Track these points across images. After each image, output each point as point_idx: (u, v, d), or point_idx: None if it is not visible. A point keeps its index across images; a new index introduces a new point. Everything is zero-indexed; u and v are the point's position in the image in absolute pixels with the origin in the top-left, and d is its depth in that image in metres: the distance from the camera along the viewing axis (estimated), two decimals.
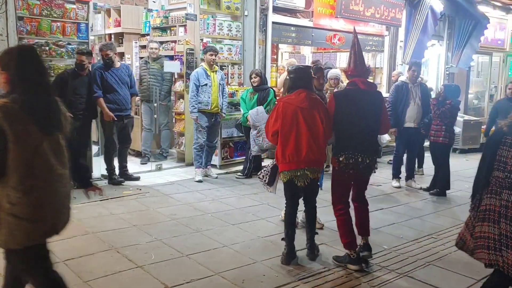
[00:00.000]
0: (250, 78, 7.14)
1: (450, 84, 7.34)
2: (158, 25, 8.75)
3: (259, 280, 3.73)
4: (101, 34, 10.62)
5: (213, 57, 6.68)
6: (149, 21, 9.20)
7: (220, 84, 6.85)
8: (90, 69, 6.14)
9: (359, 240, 4.20)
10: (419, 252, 4.51)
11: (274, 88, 7.47)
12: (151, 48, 7.76)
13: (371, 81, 10.31)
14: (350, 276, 3.89)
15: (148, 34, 9.20)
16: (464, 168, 8.91)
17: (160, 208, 5.36)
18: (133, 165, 7.49)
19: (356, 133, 3.96)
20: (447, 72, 11.89)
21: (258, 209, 5.54)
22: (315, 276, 3.84)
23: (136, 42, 9.56)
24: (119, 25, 9.70)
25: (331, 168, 4.36)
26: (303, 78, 4.10)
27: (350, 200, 4.20)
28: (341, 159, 3.94)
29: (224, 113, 7.05)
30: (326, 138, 4.03)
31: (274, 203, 5.74)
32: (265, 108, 6.96)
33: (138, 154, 8.16)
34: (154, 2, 10.19)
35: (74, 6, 6.13)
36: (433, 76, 12.05)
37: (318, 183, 4.38)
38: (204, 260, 4.01)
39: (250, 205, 5.68)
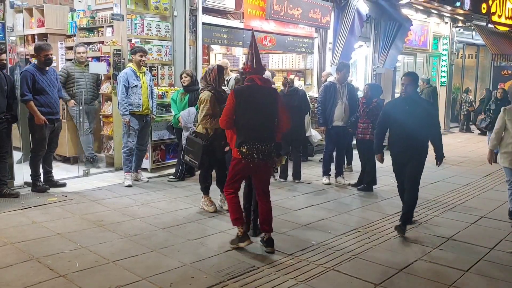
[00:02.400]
0: (181, 78, 7.05)
1: (374, 84, 7.66)
2: (85, 26, 8.44)
3: (188, 282, 3.69)
4: (22, 35, 10.12)
5: (143, 58, 6.53)
6: (75, 22, 8.86)
7: (149, 85, 6.72)
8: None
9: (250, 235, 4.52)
10: (346, 246, 4.66)
11: None
12: (79, 53, 7.48)
13: (302, 82, 10.61)
14: (278, 273, 3.94)
15: (74, 35, 8.87)
16: (390, 164, 9.32)
17: (86, 214, 5.17)
18: (60, 171, 7.20)
19: (255, 125, 4.27)
20: (374, 73, 12.39)
21: (190, 211, 5.48)
22: (244, 275, 3.86)
23: (62, 43, 9.17)
24: (42, 25, 9.26)
25: None
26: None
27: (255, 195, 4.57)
28: (243, 150, 4.22)
29: (155, 115, 6.92)
30: None
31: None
32: (197, 109, 6.91)
33: (65, 159, 7.84)
34: (80, 1, 9.82)
35: None
36: (361, 77, 12.51)
37: None
38: (131, 266, 3.91)
39: (181, 208, 5.61)
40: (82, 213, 5.20)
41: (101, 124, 7.77)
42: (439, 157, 5.27)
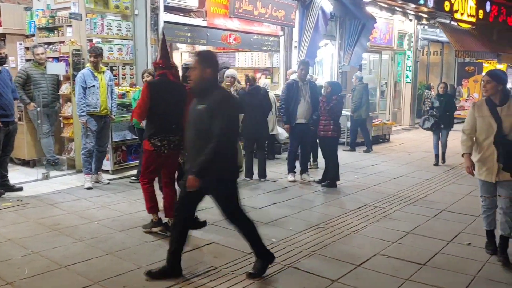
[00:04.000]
0: (142, 77, 6.93)
1: (334, 81, 7.72)
2: (44, 25, 8.21)
3: (142, 285, 3.62)
4: None
5: (92, 58, 6.38)
6: (33, 21, 8.62)
7: (108, 85, 6.59)
8: None
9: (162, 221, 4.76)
10: (306, 242, 4.67)
11: None
12: (37, 54, 7.27)
13: (269, 80, 10.61)
14: (235, 272, 3.90)
15: (33, 35, 8.63)
16: (354, 160, 9.44)
17: (42, 219, 5.02)
18: (19, 174, 7.00)
19: (166, 118, 4.52)
20: (340, 71, 12.48)
21: (146, 214, 5.37)
22: (200, 276, 3.81)
23: (21, 44, 8.90)
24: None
25: None
26: None
27: (162, 185, 4.87)
28: (152, 141, 4.49)
29: (114, 115, 6.79)
30: None
31: None
32: None
33: (25, 163, 7.61)
34: (39, 0, 9.59)
35: None
36: (327, 75, 12.58)
37: None
38: (84, 270, 3.81)
39: (141, 209, 5.48)
40: (37, 217, 5.06)
41: (61, 126, 7.58)
42: None
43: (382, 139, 12.13)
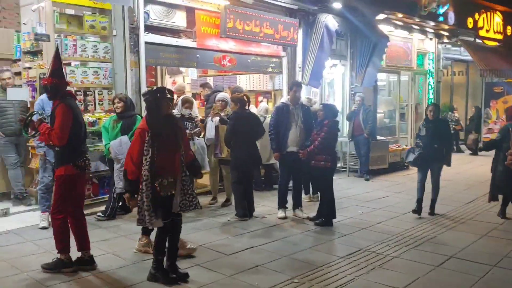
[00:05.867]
0: (113, 103, 6.30)
1: (328, 104, 6.86)
2: (29, 49, 7.74)
3: None
4: None
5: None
6: (19, 45, 8.20)
7: None
8: None
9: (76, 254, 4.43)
10: None
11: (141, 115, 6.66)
12: (3, 79, 6.77)
13: (271, 104, 9.83)
14: None
15: (19, 60, 8.20)
16: (364, 191, 8.48)
17: None
18: None
19: (83, 137, 4.48)
20: (353, 92, 11.61)
21: (99, 260, 4.59)
22: None
23: (9, 69, 8.48)
24: None
25: None
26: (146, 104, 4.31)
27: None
28: (78, 163, 4.29)
29: None
30: None
31: (121, 252, 4.87)
32: (130, 138, 6.11)
33: None
34: (25, 24, 9.20)
35: None
36: (339, 97, 11.74)
37: None
38: None
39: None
40: None
41: (30, 156, 6.98)
42: None
43: (401, 166, 11.08)
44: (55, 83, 4.28)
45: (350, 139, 10.03)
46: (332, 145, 6.22)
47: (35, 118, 4.52)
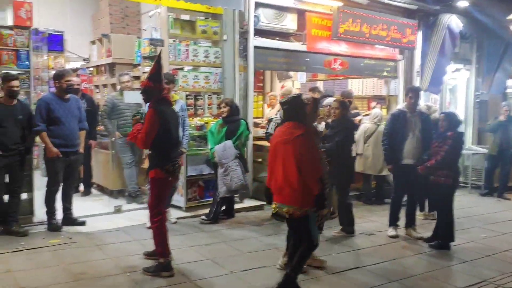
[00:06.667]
0: (219, 108, 6.29)
1: (450, 112, 6.10)
2: (148, 55, 8.14)
3: None
4: (92, 65, 10.30)
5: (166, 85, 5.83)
6: (139, 51, 8.67)
7: (178, 115, 6.02)
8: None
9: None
10: None
11: (246, 120, 6.57)
12: (123, 82, 7.12)
13: (385, 111, 9.23)
14: None
15: (139, 64, 8.68)
16: (489, 211, 7.52)
17: (73, 264, 4.46)
18: (98, 205, 6.78)
19: (174, 143, 4.50)
20: (478, 100, 10.52)
21: (194, 266, 4.53)
22: None
23: (128, 73, 9.03)
24: (110, 55, 9.29)
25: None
26: (293, 110, 4.02)
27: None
28: (167, 168, 4.31)
29: (185, 148, 6.19)
30: (304, 174, 3.78)
31: (220, 259, 4.76)
32: (234, 143, 6.09)
33: (111, 192, 7.43)
34: (145, 30, 9.73)
35: (12, 32, 5.55)
36: (462, 104, 10.69)
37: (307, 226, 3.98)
38: None
39: (189, 260, 4.69)
40: (70, 261, 4.53)
41: (143, 157, 7.25)
42: None
43: None
44: (150, 87, 4.33)
45: (495, 153, 8.83)
46: (455, 160, 5.54)
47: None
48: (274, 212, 3.96)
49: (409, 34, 8.84)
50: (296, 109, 3.99)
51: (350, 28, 7.98)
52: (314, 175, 3.80)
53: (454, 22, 8.94)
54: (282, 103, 4.17)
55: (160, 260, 4.33)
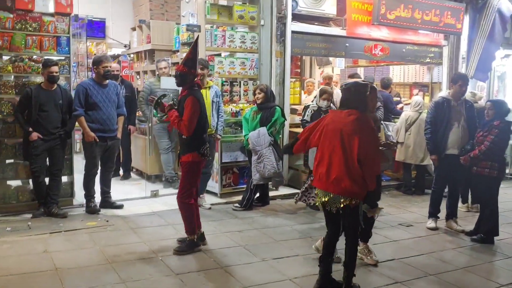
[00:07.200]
0: (254, 94, 6.22)
1: (498, 100, 5.76)
2: (186, 41, 8.18)
3: None
4: (133, 52, 10.44)
5: (200, 71, 5.81)
6: (178, 37, 8.72)
7: (213, 101, 6.02)
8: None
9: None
10: None
11: (282, 107, 6.48)
12: (160, 68, 7.17)
13: (427, 98, 8.90)
14: None
15: (178, 51, 8.74)
16: None
17: (109, 246, 4.55)
18: (135, 190, 6.92)
19: (207, 127, 4.70)
20: None
21: (226, 252, 4.52)
22: None
23: (168, 59, 9.10)
24: (149, 42, 9.38)
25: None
26: (356, 98, 3.76)
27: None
28: (202, 151, 4.44)
29: (220, 135, 6.18)
30: (364, 169, 3.57)
31: (252, 246, 4.73)
32: (268, 130, 6.01)
33: (148, 177, 7.54)
34: (184, 16, 9.73)
35: (53, 19, 5.66)
36: (511, 92, 10.15)
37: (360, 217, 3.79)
38: None
39: (221, 246, 4.69)
40: (106, 244, 4.62)
41: None
42: None
43: None
44: (184, 72, 4.41)
45: None
46: (501, 151, 5.26)
47: (166, 100, 4.68)
48: (325, 201, 3.67)
49: (456, 18, 8.42)
50: (360, 97, 3.75)
51: (391, 13, 7.68)
52: (374, 171, 3.66)
53: (505, 5, 8.45)
54: (344, 89, 3.90)
55: (191, 237, 4.51)
